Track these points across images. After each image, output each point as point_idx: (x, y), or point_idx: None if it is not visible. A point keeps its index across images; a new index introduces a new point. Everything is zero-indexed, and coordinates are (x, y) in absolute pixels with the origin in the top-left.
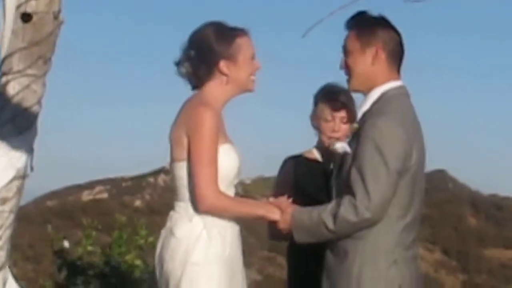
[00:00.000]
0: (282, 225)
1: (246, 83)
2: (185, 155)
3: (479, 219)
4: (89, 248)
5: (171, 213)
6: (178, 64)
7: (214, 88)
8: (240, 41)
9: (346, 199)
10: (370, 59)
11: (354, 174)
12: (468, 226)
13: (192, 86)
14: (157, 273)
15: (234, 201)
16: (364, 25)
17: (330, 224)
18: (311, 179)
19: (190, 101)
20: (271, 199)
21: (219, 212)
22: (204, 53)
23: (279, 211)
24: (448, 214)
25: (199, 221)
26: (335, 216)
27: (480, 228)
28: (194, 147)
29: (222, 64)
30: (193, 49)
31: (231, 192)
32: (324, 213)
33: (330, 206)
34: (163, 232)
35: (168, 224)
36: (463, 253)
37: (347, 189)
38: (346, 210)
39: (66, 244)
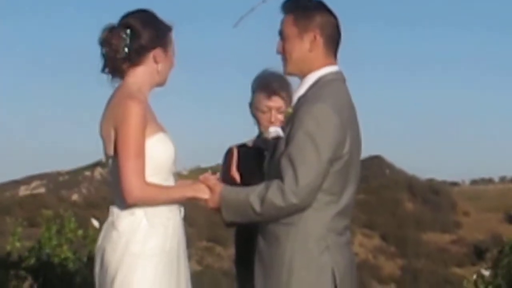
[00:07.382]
0: (211, 204)
1: (166, 77)
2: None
3: (416, 204)
4: (17, 244)
5: (111, 207)
6: (102, 42)
7: (140, 76)
8: (171, 35)
9: (275, 183)
10: (308, 45)
11: (284, 159)
12: (405, 212)
13: (109, 68)
14: (97, 265)
15: (161, 189)
16: (301, 10)
17: (257, 207)
18: (255, 168)
19: (116, 95)
20: (200, 177)
21: (147, 203)
22: (144, 34)
23: (208, 190)
24: (386, 200)
25: (140, 212)
26: (262, 199)
27: (418, 213)
28: (120, 140)
29: (158, 52)
30: (130, 28)
31: (171, 181)
32: (252, 195)
33: (259, 188)
34: (105, 226)
35: (110, 218)
36: (401, 238)
37: (277, 174)
38: (274, 194)
39: None
